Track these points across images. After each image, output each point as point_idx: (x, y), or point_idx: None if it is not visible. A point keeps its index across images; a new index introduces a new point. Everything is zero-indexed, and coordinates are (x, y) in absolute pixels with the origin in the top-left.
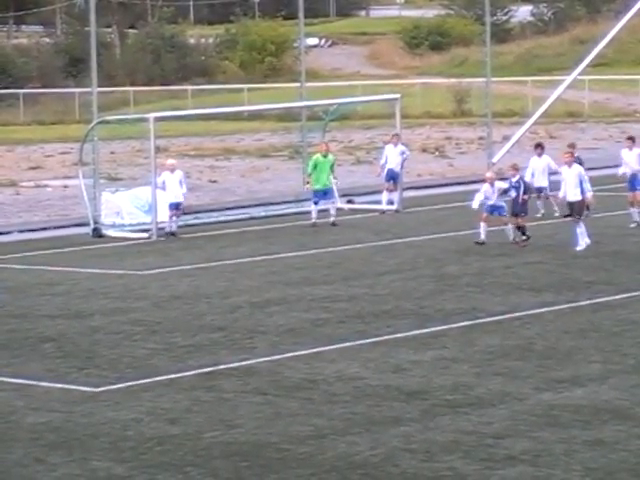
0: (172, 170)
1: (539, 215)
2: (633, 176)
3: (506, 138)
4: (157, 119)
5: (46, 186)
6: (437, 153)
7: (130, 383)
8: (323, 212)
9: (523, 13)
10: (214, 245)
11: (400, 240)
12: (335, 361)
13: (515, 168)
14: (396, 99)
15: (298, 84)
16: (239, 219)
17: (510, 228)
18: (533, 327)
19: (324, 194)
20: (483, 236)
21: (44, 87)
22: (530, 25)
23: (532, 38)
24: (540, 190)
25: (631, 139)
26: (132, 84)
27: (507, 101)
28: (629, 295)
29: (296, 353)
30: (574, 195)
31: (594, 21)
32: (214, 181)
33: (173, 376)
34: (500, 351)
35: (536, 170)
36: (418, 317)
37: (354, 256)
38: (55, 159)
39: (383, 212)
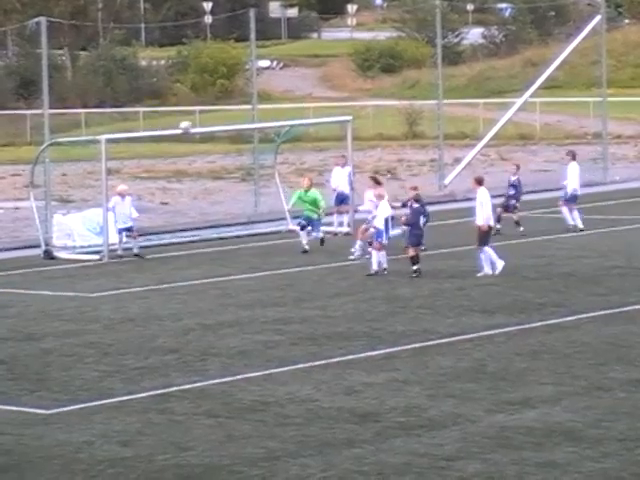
0: (123, 196)
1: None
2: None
3: (457, 160)
4: (109, 141)
5: None
6: (389, 175)
7: (82, 405)
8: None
9: (474, 35)
10: (166, 267)
11: (352, 262)
12: (287, 383)
13: (415, 189)
14: (348, 121)
15: (250, 106)
16: (191, 241)
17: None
18: (485, 349)
19: (308, 222)
20: (375, 265)
21: None
22: (481, 47)
23: (484, 60)
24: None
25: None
26: (84, 106)
27: (459, 123)
28: (581, 317)
29: (248, 375)
30: (476, 220)
31: (545, 44)
32: (166, 203)
33: (125, 398)
34: (452, 373)
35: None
36: (370, 339)
37: (306, 278)
38: (6, 181)
39: (335, 234)
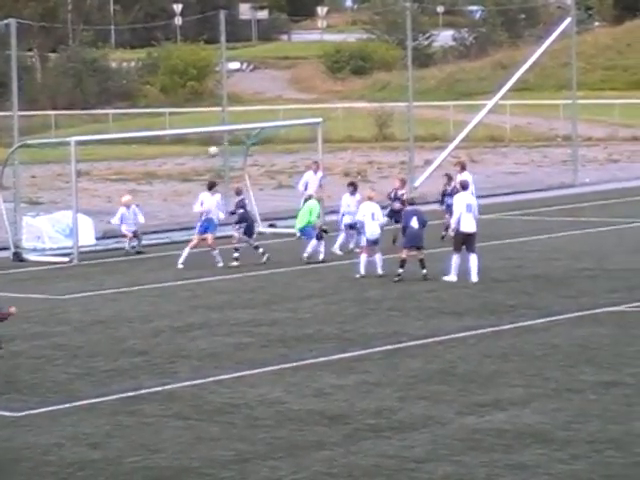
0: (128, 206)
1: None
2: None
3: (428, 162)
4: (78, 143)
5: None
6: (359, 177)
7: (51, 408)
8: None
9: (445, 38)
10: (136, 269)
11: (323, 264)
12: (257, 385)
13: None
14: (318, 123)
15: (220, 108)
16: (161, 243)
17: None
18: (455, 351)
19: (301, 232)
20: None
21: None
22: (452, 50)
23: (454, 63)
24: None
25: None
26: (53, 108)
27: (429, 125)
28: (551, 319)
29: (218, 377)
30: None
31: (516, 46)
32: (136, 205)
33: (94, 400)
34: (423, 375)
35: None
36: (341, 341)
37: (277, 280)
38: None
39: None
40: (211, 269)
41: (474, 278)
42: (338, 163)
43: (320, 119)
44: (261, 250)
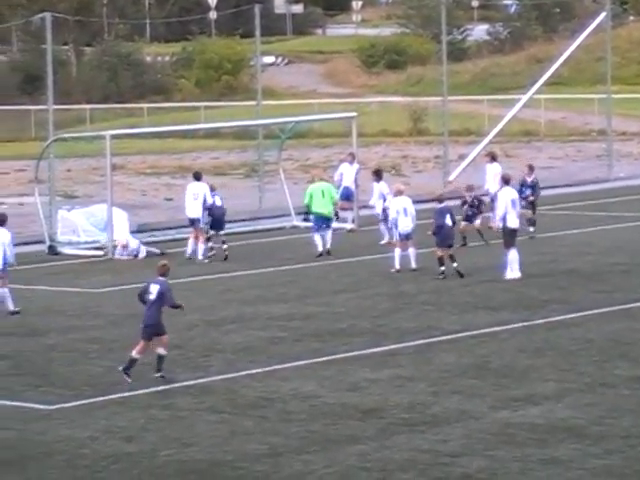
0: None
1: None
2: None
3: (462, 157)
4: (113, 137)
5: (1, 203)
6: (393, 172)
7: (85, 401)
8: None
9: (479, 32)
10: (170, 263)
11: (356, 258)
12: (291, 379)
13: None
14: (352, 117)
15: (254, 102)
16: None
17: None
18: (489, 345)
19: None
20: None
21: None
22: (486, 44)
23: (488, 57)
24: None
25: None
26: (88, 102)
27: (463, 120)
28: (584, 314)
29: (252, 371)
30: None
31: (550, 40)
32: (170, 199)
33: (129, 394)
34: (456, 369)
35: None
36: (374, 335)
37: (309, 274)
38: (11, 176)
39: (335, 230)
40: (243, 263)
41: (517, 274)
42: (372, 157)
43: (354, 113)
44: (225, 246)
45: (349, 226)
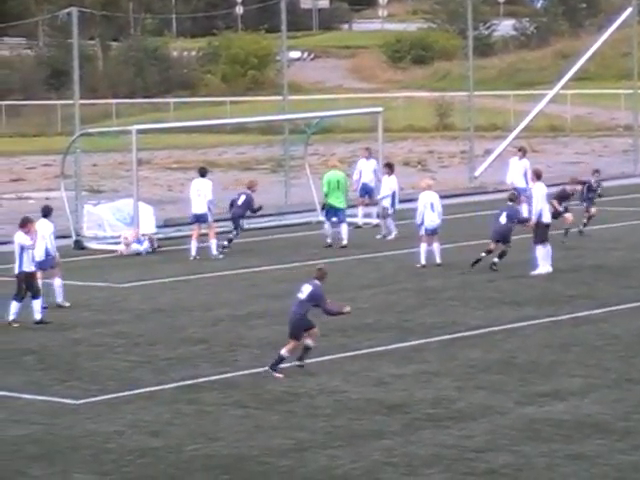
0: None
1: None
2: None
3: (488, 152)
4: (139, 131)
5: (28, 198)
6: (419, 167)
7: (111, 395)
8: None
9: (505, 27)
10: (196, 258)
11: (381, 254)
12: (316, 374)
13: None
14: (378, 112)
15: (280, 97)
16: (220, 232)
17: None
18: (514, 341)
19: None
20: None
21: (26, 99)
22: (513, 39)
23: (515, 52)
24: None
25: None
26: (114, 96)
27: (489, 115)
28: (610, 309)
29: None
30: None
31: (577, 35)
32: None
33: (154, 389)
34: (481, 365)
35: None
36: (400, 330)
37: (335, 270)
38: (37, 171)
39: (359, 226)
40: (268, 258)
41: (548, 268)
42: (398, 152)
43: (380, 108)
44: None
45: (375, 221)
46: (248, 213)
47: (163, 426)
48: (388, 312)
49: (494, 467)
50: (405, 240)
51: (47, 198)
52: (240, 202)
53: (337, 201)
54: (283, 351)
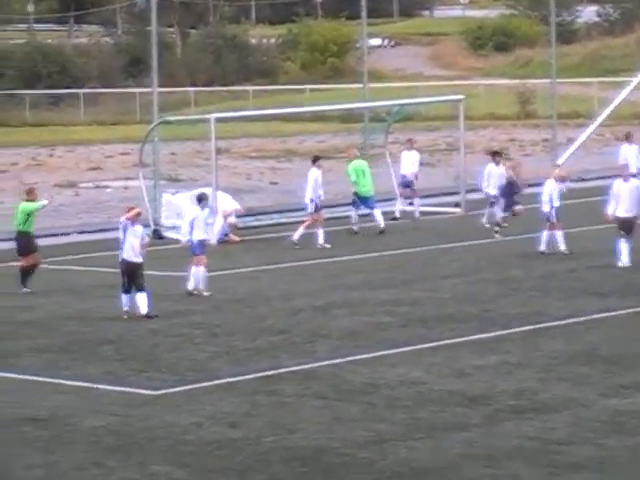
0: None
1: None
2: None
3: (571, 140)
4: (218, 120)
5: (106, 187)
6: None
7: (190, 386)
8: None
9: (589, 14)
10: (275, 247)
11: (462, 243)
12: (397, 365)
13: None
14: (460, 100)
15: (360, 85)
16: (300, 221)
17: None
18: (598, 332)
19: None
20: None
21: (104, 87)
22: (596, 26)
23: (598, 39)
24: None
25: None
26: (193, 84)
27: (572, 102)
28: None
29: (357, 357)
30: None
31: None
32: (275, 183)
33: (233, 379)
34: (564, 356)
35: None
36: (481, 321)
37: (415, 259)
38: (115, 160)
39: (395, 218)
40: (348, 248)
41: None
42: (479, 140)
43: (462, 96)
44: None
45: (417, 214)
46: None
47: (241, 417)
48: (469, 302)
49: (577, 460)
50: (487, 229)
51: (125, 187)
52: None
53: (365, 189)
54: None
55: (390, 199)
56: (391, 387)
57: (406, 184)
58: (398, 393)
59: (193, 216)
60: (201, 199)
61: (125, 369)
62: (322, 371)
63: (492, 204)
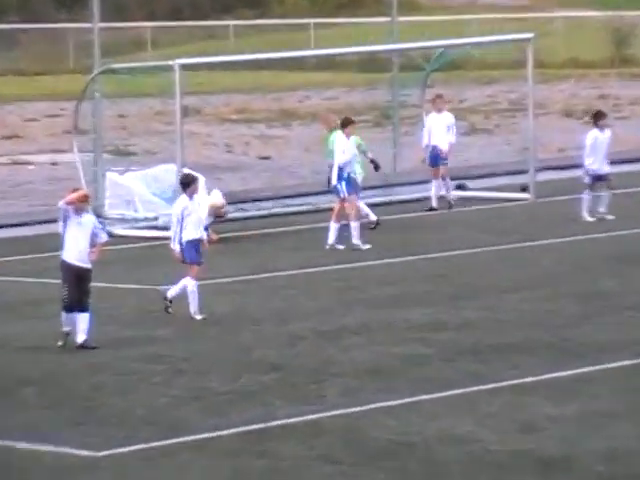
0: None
1: None
2: None
3: None
4: (185, 67)
5: (27, 163)
6: (587, 118)
7: (145, 445)
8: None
9: None
10: (266, 248)
11: (532, 243)
12: (439, 415)
13: None
14: (528, 39)
15: (388, 18)
16: (301, 211)
17: None
18: None
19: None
20: None
21: (25, 22)
22: None
23: None
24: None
25: None
26: (149, 18)
27: None
28: None
29: (383, 404)
30: None
31: None
32: (266, 157)
33: (207, 435)
34: None
35: None
36: (558, 353)
37: (465, 265)
38: (40, 124)
39: (434, 208)
40: (370, 250)
41: None
42: (556, 98)
43: (531, 34)
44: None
45: (452, 201)
46: None
47: None
48: (541, 326)
49: None
50: (567, 223)
51: (54, 163)
52: None
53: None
54: None
55: (428, 180)
56: (430, 446)
57: (436, 159)
58: (440, 455)
59: (181, 208)
60: (189, 183)
61: (55, 420)
62: (332, 424)
63: (591, 187)
